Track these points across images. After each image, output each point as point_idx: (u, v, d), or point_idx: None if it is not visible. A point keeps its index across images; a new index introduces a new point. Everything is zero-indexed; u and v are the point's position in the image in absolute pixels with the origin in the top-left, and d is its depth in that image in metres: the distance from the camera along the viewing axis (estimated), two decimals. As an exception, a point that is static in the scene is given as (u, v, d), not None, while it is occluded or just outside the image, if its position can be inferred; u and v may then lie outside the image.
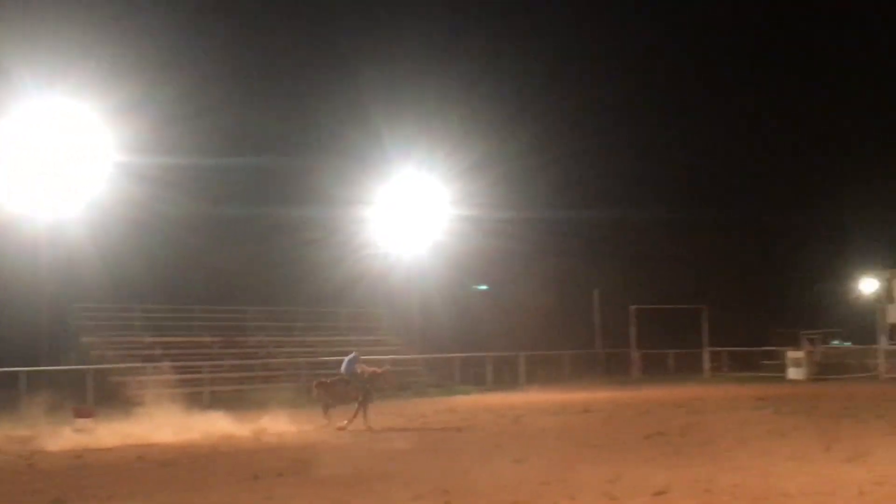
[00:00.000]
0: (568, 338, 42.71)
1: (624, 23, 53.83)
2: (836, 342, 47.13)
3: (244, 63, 40.23)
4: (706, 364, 43.58)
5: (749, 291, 50.34)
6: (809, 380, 37.43)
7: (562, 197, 44.49)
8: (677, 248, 49.22)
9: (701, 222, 49.71)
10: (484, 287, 46.24)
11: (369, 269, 38.28)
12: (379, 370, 22.63)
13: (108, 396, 26.80)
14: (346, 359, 22.35)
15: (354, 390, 21.55)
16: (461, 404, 28.41)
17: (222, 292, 36.32)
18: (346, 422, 20.70)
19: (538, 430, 20.34)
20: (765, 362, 42.44)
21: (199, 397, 27.76)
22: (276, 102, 40.35)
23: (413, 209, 38.30)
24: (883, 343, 41.25)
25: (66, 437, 18.56)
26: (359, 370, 21.97)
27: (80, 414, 20.53)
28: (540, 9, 50.23)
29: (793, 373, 38.81)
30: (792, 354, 39.83)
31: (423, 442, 18.50)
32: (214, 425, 20.29)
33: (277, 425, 20.42)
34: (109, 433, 18.95)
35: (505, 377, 38.44)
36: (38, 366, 27.41)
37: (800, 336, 43.70)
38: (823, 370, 39.39)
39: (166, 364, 28.51)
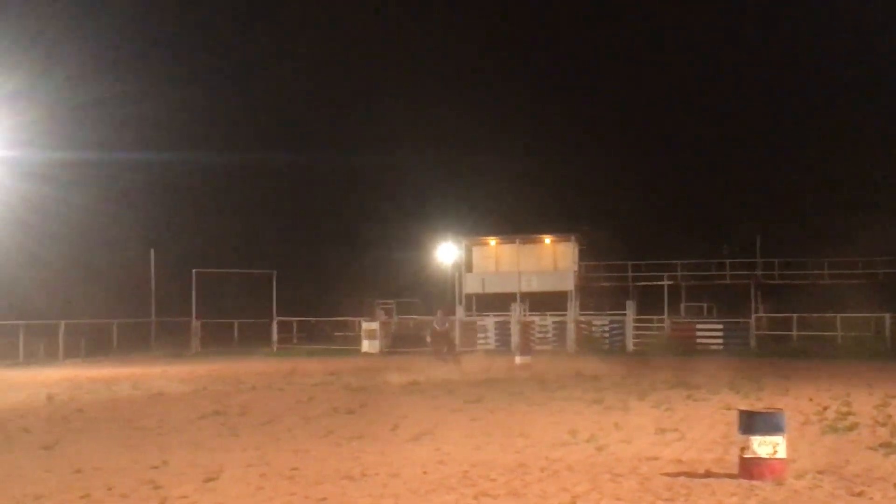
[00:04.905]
0: (119, 304, 41.76)
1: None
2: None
3: None
4: (275, 335, 44.28)
5: (321, 256, 51.85)
6: (383, 353, 39.34)
7: (114, 137, 43.01)
8: (246, 203, 49.57)
9: (269, 173, 50.34)
10: None
11: None
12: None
13: None
14: None
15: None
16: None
17: None
18: None
19: (74, 411, 19.61)
20: (338, 334, 43.95)
21: None
22: None
23: None
24: (460, 314, 43.63)
25: None
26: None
27: None
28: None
29: (367, 345, 40.53)
30: (366, 325, 41.53)
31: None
32: None
33: None
34: None
35: (41, 350, 36.98)
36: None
37: (375, 305, 45.64)
38: (399, 342, 41.50)
39: None
